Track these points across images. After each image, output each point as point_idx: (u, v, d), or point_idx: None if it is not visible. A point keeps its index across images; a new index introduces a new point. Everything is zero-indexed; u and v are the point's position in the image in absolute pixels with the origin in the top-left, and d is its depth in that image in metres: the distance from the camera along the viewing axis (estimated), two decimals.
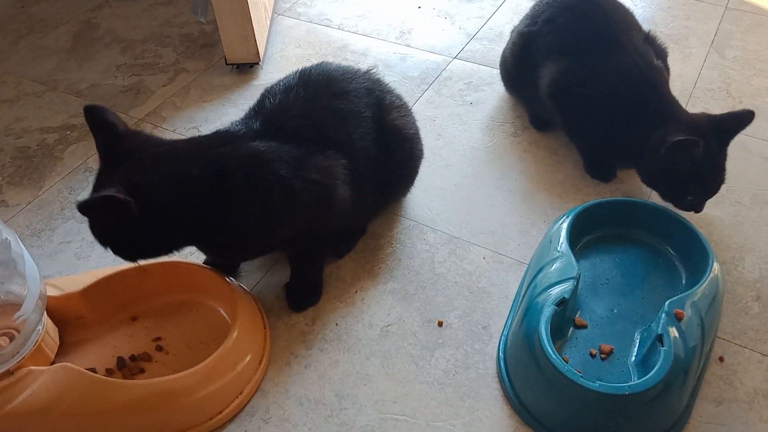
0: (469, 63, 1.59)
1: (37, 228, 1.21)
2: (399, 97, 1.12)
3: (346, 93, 1.02)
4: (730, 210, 1.19)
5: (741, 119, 1.06)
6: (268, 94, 1.02)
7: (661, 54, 1.25)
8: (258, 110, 1.00)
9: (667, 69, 1.24)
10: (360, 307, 1.05)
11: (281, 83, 1.03)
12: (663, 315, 0.87)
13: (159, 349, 0.97)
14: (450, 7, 1.81)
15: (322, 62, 1.08)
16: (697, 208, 1.11)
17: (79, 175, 1.31)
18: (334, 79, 1.03)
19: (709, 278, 0.94)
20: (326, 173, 0.94)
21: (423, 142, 1.17)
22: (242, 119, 0.99)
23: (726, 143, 1.08)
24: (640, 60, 1.17)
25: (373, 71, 1.11)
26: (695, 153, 1.03)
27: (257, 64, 1.57)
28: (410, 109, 1.15)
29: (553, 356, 0.83)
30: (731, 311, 1.02)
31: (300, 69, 1.05)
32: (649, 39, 1.26)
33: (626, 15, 1.25)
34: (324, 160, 0.95)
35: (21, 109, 1.49)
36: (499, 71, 1.47)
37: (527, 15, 1.34)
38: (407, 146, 1.09)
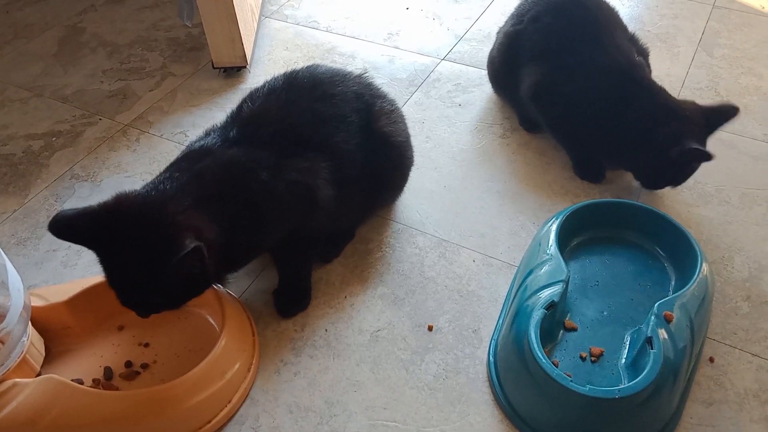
0: (458, 64, 1.59)
1: (23, 236, 1.19)
2: (391, 103, 1.11)
3: (331, 96, 1.01)
4: (718, 210, 1.19)
5: (726, 115, 1.10)
6: (248, 98, 1.01)
7: (643, 53, 1.25)
8: (235, 117, 0.99)
9: (649, 68, 1.24)
10: (350, 313, 1.04)
11: (266, 85, 1.02)
12: (652, 317, 0.87)
13: (144, 364, 0.96)
14: (438, 9, 1.80)
15: (312, 65, 1.07)
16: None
17: (65, 182, 1.30)
18: (320, 83, 1.02)
19: (698, 279, 0.94)
20: (307, 173, 0.94)
21: (412, 145, 1.17)
22: (219, 127, 0.99)
23: (709, 131, 1.12)
24: (622, 58, 1.17)
25: (365, 75, 1.10)
26: (697, 161, 1.09)
27: (245, 67, 1.56)
28: (402, 116, 1.13)
29: (543, 360, 0.83)
30: (721, 312, 1.02)
31: (288, 71, 1.04)
32: (632, 39, 1.26)
33: (611, 14, 1.25)
34: (303, 162, 0.94)
35: (6, 116, 1.48)
36: (487, 72, 1.47)
37: (512, 14, 1.34)
38: (395, 153, 1.08)
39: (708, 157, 1.05)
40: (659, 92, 1.15)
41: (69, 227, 0.80)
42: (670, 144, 1.08)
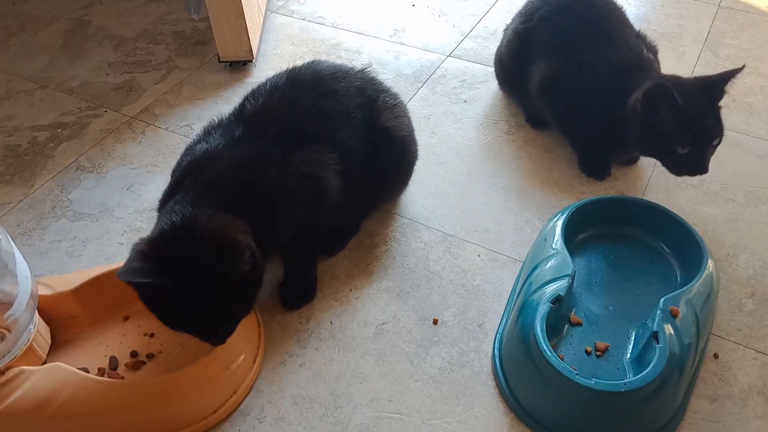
0: (464, 61, 1.59)
1: (29, 227, 1.20)
2: (394, 97, 1.11)
3: (334, 92, 1.01)
4: (724, 207, 1.19)
5: (728, 72, 1.05)
6: (250, 96, 1.01)
7: (652, 50, 1.25)
8: (239, 115, 0.99)
9: (658, 66, 1.24)
10: (355, 306, 1.04)
11: (268, 83, 1.02)
12: (658, 312, 0.87)
13: (150, 354, 0.96)
14: (444, 5, 1.80)
15: (314, 60, 1.07)
16: (697, 165, 1.05)
17: (70, 173, 1.30)
18: (323, 79, 1.02)
19: (703, 275, 0.94)
20: (315, 165, 0.94)
21: (417, 140, 1.17)
22: (221, 126, 0.98)
23: (714, 96, 1.05)
24: (632, 54, 1.17)
25: (368, 70, 1.09)
26: (668, 98, 1.01)
27: (250, 61, 1.56)
28: (406, 110, 1.13)
29: (549, 354, 0.83)
30: (726, 308, 1.03)
31: (289, 68, 1.04)
32: (639, 37, 1.26)
33: (619, 13, 1.26)
34: (310, 154, 0.94)
35: (12, 107, 1.48)
36: (493, 69, 1.47)
37: (521, 12, 1.34)
38: (398, 148, 1.08)
39: (664, 90, 1.00)
40: (653, 69, 1.15)
41: (135, 273, 0.79)
42: (636, 102, 1.06)
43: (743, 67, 1.05)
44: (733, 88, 1.46)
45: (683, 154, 1.05)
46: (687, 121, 1.03)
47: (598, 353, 0.92)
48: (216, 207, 0.84)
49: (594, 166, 1.26)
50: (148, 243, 0.81)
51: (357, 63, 1.57)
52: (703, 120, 1.04)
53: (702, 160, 1.06)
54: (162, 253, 0.80)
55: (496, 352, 0.96)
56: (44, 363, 0.89)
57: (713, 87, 1.05)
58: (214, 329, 0.84)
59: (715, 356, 0.96)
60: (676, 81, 1.08)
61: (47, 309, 0.94)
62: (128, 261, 0.80)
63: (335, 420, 0.90)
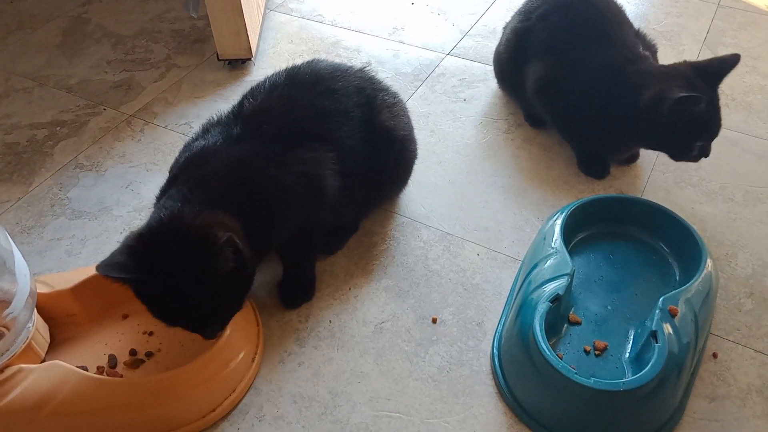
0: (463, 59, 1.59)
1: (27, 225, 1.19)
2: (393, 96, 1.11)
3: (333, 91, 1.01)
4: (723, 207, 1.19)
5: (727, 62, 1.08)
6: (249, 95, 1.01)
7: (651, 49, 1.25)
8: (237, 113, 0.98)
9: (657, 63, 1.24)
10: (354, 305, 1.04)
11: (267, 81, 1.02)
12: (657, 311, 0.87)
13: (149, 353, 0.96)
14: (443, 4, 1.80)
15: (313, 60, 1.07)
16: (705, 152, 1.12)
17: (69, 171, 1.30)
18: (322, 78, 1.02)
19: (702, 274, 0.94)
20: (313, 163, 0.94)
21: (417, 139, 1.17)
22: (219, 124, 0.98)
23: (715, 87, 1.09)
24: (627, 52, 1.17)
25: (367, 69, 1.09)
26: (699, 107, 1.05)
27: (249, 59, 1.56)
28: (405, 108, 1.13)
29: (548, 353, 0.83)
30: (724, 308, 1.03)
31: (289, 67, 1.04)
32: (639, 36, 1.26)
33: (618, 12, 1.25)
34: (308, 152, 0.94)
35: (10, 105, 1.48)
36: (492, 68, 1.47)
37: (520, 11, 1.34)
38: (397, 147, 1.07)
39: (697, 100, 1.03)
40: (648, 63, 1.16)
41: (115, 268, 0.78)
42: (658, 102, 1.08)
43: (738, 56, 1.07)
44: (732, 87, 1.47)
45: (698, 145, 1.11)
46: (709, 123, 1.09)
47: (597, 352, 0.92)
48: (209, 204, 0.84)
49: (593, 166, 1.26)
50: (137, 237, 0.81)
51: (356, 61, 1.57)
52: (717, 117, 1.10)
53: (709, 149, 1.12)
54: (148, 248, 0.80)
55: (495, 351, 0.96)
56: (43, 361, 0.89)
57: (714, 78, 1.09)
58: (202, 325, 0.84)
59: (714, 356, 0.96)
60: (687, 78, 1.09)
61: (46, 307, 0.94)
62: (112, 254, 0.80)
63: (334, 419, 0.90)
